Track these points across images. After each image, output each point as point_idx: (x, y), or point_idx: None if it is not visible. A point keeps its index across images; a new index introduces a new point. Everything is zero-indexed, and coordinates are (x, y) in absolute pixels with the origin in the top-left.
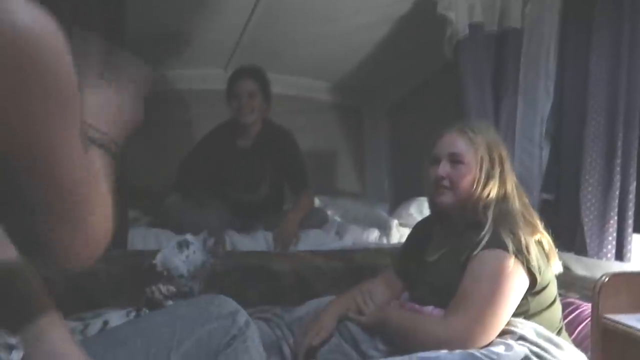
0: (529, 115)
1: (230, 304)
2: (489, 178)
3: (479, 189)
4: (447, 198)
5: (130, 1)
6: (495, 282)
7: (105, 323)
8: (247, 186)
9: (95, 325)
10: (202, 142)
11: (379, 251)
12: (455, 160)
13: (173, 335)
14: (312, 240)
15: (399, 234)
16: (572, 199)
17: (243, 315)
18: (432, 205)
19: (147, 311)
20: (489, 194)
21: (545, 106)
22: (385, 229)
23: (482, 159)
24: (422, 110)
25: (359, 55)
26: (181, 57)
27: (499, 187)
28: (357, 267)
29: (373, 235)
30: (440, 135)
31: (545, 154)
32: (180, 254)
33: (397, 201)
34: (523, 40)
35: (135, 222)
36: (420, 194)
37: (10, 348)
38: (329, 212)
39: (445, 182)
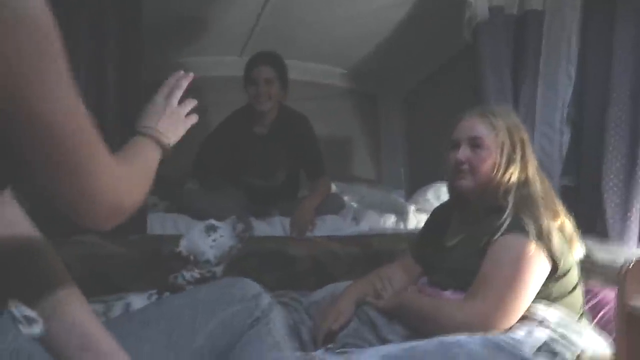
0: (549, 100)
1: (253, 287)
2: (509, 162)
3: (500, 174)
4: (467, 182)
5: None
6: (516, 267)
7: (127, 305)
8: (263, 172)
9: (117, 307)
10: (218, 128)
11: (396, 236)
12: (476, 144)
13: (195, 317)
14: (328, 226)
15: (416, 220)
16: (593, 185)
17: (266, 298)
18: (452, 190)
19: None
20: (509, 179)
21: (566, 91)
22: (402, 215)
23: (502, 143)
24: (438, 96)
25: (374, 40)
26: (197, 44)
27: (520, 171)
28: (373, 252)
29: (390, 221)
30: (460, 119)
31: (566, 139)
32: (207, 238)
33: (414, 187)
34: (544, 23)
35: (153, 207)
36: (437, 179)
37: (31, 321)
38: (345, 198)
39: (465, 167)
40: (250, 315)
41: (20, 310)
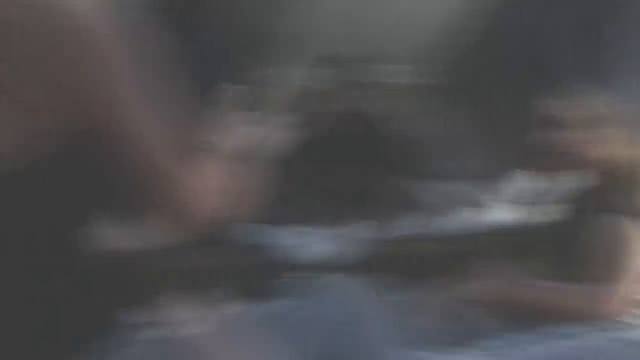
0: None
1: (348, 286)
2: (627, 140)
3: (619, 152)
4: (584, 163)
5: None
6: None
7: None
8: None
9: None
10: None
11: (478, 232)
12: (591, 123)
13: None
14: (411, 226)
15: (498, 213)
16: None
17: (361, 297)
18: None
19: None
20: (623, 156)
21: None
22: (482, 208)
23: (615, 120)
24: (504, 82)
25: (438, 37)
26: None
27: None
28: (458, 250)
29: (470, 216)
30: (567, 99)
31: None
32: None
33: (493, 177)
34: None
35: None
36: (514, 168)
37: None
38: (424, 196)
39: (580, 147)
40: (346, 314)
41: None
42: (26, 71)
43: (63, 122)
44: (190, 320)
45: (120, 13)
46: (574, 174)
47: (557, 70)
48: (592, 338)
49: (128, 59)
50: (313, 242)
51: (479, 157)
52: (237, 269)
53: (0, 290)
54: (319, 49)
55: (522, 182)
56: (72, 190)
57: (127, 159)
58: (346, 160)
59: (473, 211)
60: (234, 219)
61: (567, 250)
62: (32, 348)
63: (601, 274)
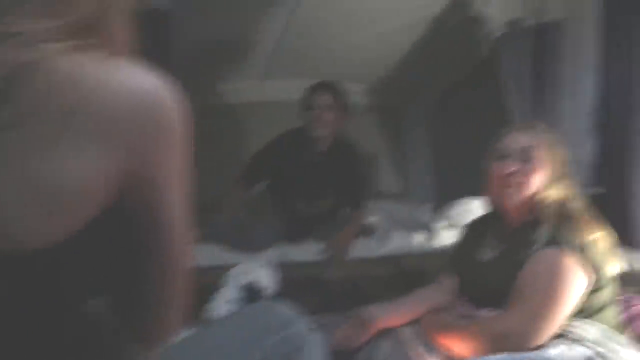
0: (573, 109)
1: (289, 313)
2: (557, 177)
3: (546, 188)
4: (516, 195)
5: (171, 26)
6: (554, 280)
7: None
8: (311, 198)
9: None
10: (269, 148)
11: (425, 255)
12: (526, 156)
13: (235, 351)
14: (359, 248)
15: (445, 236)
16: (622, 192)
17: (305, 324)
18: (494, 202)
19: None
20: (552, 194)
21: (589, 99)
22: (430, 232)
23: (551, 157)
24: (461, 108)
25: (396, 57)
26: (220, 71)
27: (562, 188)
28: (404, 272)
29: (418, 239)
30: (506, 132)
31: (593, 147)
32: (267, 274)
33: (442, 201)
34: (563, 32)
35: None
36: (465, 193)
37: None
38: (374, 217)
39: (516, 178)
40: (290, 345)
41: None
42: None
43: (109, 199)
44: None
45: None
46: (516, 204)
47: (509, 107)
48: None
49: (187, 149)
50: (258, 267)
51: (429, 181)
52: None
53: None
54: (279, 65)
55: (471, 207)
56: (90, 269)
57: (156, 243)
58: (298, 182)
59: (422, 234)
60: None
61: (504, 279)
62: None
63: (538, 303)
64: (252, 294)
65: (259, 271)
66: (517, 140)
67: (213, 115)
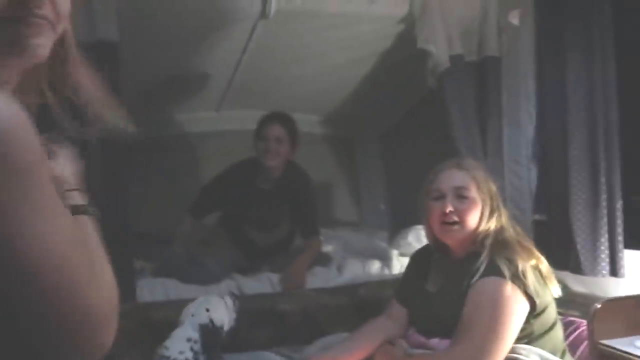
0: (514, 139)
1: None
2: (492, 211)
3: (483, 222)
4: (456, 233)
5: (123, 51)
6: (496, 309)
7: None
8: (265, 227)
9: None
10: (221, 178)
11: (382, 283)
12: (461, 194)
13: None
14: (315, 278)
15: (400, 264)
16: (563, 218)
17: None
18: (434, 239)
19: None
20: (489, 227)
21: (529, 129)
22: (385, 260)
23: (484, 193)
24: (412, 137)
25: (347, 89)
26: (174, 101)
27: (497, 219)
28: (361, 301)
29: (374, 267)
30: (439, 171)
31: (534, 175)
32: (227, 310)
33: (396, 228)
34: (502, 67)
35: (140, 272)
36: (418, 222)
37: None
38: (330, 247)
39: (454, 217)
40: None
41: None
42: None
43: None
44: None
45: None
46: (456, 240)
47: (455, 136)
48: None
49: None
50: (216, 302)
51: (385, 208)
52: (132, 329)
53: None
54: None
55: (423, 236)
56: None
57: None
58: (250, 211)
59: (378, 262)
60: None
61: (450, 309)
62: None
63: (482, 336)
64: (209, 333)
65: (217, 306)
66: (451, 179)
67: (166, 146)
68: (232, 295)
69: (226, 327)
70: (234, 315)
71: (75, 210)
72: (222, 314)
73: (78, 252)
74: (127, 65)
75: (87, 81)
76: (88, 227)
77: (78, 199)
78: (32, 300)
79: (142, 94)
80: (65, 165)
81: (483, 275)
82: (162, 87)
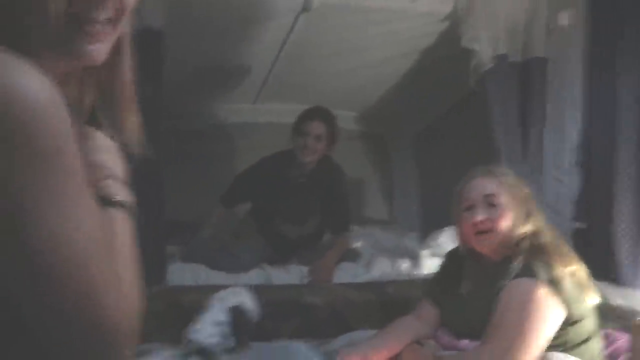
0: (558, 144)
1: (299, 351)
2: (526, 215)
3: (517, 227)
4: (490, 241)
5: (165, 47)
6: (526, 311)
7: None
8: (296, 219)
9: None
10: (255, 168)
11: (410, 283)
12: (491, 202)
13: None
14: (343, 273)
15: (430, 265)
16: (604, 227)
17: None
18: (468, 247)
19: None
20: (524, 231)
21: (573, 135)
22: (415, 260)
23: (515, 197)
24: (448, 138)
25: (384, 86)
26: (213, 92)
27: (531, 224)
28: (389, 299)
29: (403, 266)
30: (469, 179)
31: (577, 182)
32: (252, 298)
33: (428, 229)
34: (548, 69)
35: (172, 257)
36: (450, 222)
37: None
38: (359, 243)
39: (486, 225)
40: None
41: None
42: None
43: None
44: None
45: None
46: (489, 247)
47: (495, 139)
48: None
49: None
50: (244, 291)
51: (415, 209)
52: (161, 312)
53: None
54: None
55: (454, 237)
56: None
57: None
58: (282, 204)
59: (408, 261)
60: None
61: (482, 311)
62: None
63: (511, 337)
64: (238, 317)
65: (244, 295)
66: (480, 187)
67: (204, 135)
68: (255, 288)
69: (253, 316)
70: (258, 307)
71: (107, 201)
72: (250, 302)
73: (99, 253)
74: (170, 54)
75: (126, 92)
76: (118, 222)
77: (115, 189)
78: (39, 303)
79: (183, 83)
80: (107, 153)
81: (516, 276)
82: (202, 77)
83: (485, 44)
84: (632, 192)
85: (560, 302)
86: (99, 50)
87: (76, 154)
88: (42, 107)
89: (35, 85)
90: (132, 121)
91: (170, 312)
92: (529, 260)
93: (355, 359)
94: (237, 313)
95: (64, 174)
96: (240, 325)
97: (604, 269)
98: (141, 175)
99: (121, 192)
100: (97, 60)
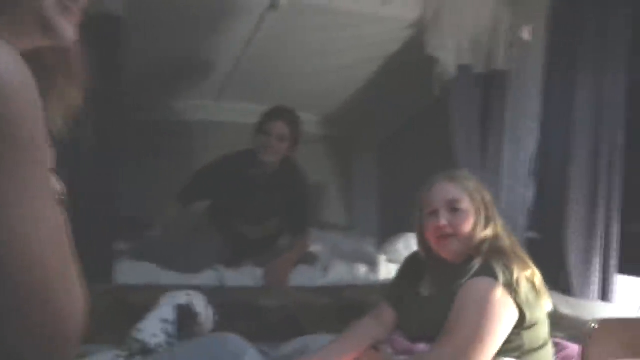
0: (514, 154)
1: (237, 345)
2: (487, 220)
3: (478, 231)
4: (452, 246)
5: (124, 36)
6: (483, 310)
7: None
8: (255, 220)
9: None
10: (214, 166)
11: (367, 287)
12: (454, 207)
13: None
14: (300, 276)
15: (387, 270)
16: (556, 238)
17: (250, 357)
18: (428, 252)
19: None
20: (485, 235)
21: (530, 146)
22: (373, 265)
23: (477, 202)
24: (410, 145)
25: (349, 91)
26: (175, 87)
27: (492, 229)
28: (345, 303)
29: (361, 271)
30: (431, 184)
31: (531, 193)
32: (207, 306)
33: (386, 235)
34: (509, 81)
35: (120, 254)
36: (408, 229)
37: None
38: (318, 246)
39: (448, 230)
40: None
41: None
42: None
43: None
44: None
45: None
46: (451, 251)
47: (455, 148)
48: None
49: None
50: (195, 293)
51: (374, 215)
52: (105, 311)
53: None
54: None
55: (413, 243)
56: None
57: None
58: (241, 204)
59: (365, 266)
60: None
61: (441, 313)
62: None
63: (467, 336)
64: (184, 316)
65: (198, 297)
66: (443, 192)
67: (162, 130)
68: (207, 292)
69: (201, 318)
70: (210, 310)
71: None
72: (202, 305)
73: (58, 252)
74: (129, 44)
75: (72, 67)
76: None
77: (56, 184)
78: None
79: (143, 74)
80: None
81: (474, 275)
82: (164, 69)
83: (449, 53)
84: (584, 204)
85: (517, 304)
86: (75, 30)
87: (45, 143)
88: (16, 91)
89: (9, 67)
90: (74, 97)
91: (116, 312)
92: (488, 260)
93: None
94: (183, 311)
95: (33, 165)
96: (187, 323)
97: (554, 279)
98: (89, 167)
99: (54, 182)
100: (71, 41)
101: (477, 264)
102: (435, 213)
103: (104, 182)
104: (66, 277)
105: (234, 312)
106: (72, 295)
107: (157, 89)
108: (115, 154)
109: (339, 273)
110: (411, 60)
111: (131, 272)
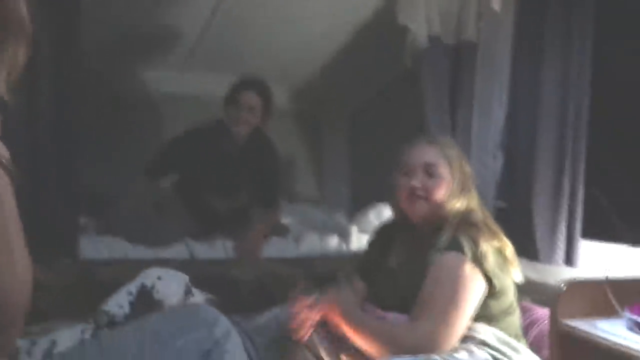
0: (483, 126)
1: (209, 314)
2: (461, 190)
3: (451, 200)
4: (421, 208)
5: (85, 4)
6: (455, 285)
7: (53, 343)
8: (225, 193)
9: (42, 345)
10: (186, 135)
11: (339, 258)
12: (430, 171)
13: (142, 352)
14: (272, 248)
15: (359, 241)
16: (524, 207)
17: (222, 326)
18: (399, 212)
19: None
20: (457, 206)
21: (499, 117)
22: (344, 236)
23: (455, 171)
24: (380, 117)
25: (318, 62)
26: (136, 59)
27: (466, 200)
28: (317, 274)
29: (332, 242)
30: (411, 146)
31: (499, 163)
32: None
33: (356, 207)
34: (478, 53)
35: (85, 229)
36: (379, 200)
37: None
38: (288, 219)
39: (421, 192)
40: (202, 347)
41: None
42: None
43: None
44: None
45: None
46: (422, 215)
47: (426, 119)
48: None
49: None
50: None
51: (347, 186)
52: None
53: None
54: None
55: (383, 213)
56: None
57: None
58: (211, 176)
59: (337, 237)
60: None
61: (411, 284)
62: None
63: (442, 311)
64: (147, 297)
65: (170, 282)
66: (421, 155)
67: (126, 103)
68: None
69: (172, 298)
70: (182, 287)
71: None
72: (170, 292)
73: None
74: (89, 15)
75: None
76: (2, 186)
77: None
78: None
79: (105, 44)
80: None
81: (445, 249)
82: (126, 39)
83: (420, 24)
84: (551, 173)
85: (484, 276)
86: None
87: None
88: None
89: None
90: (21, 55)
91: (81, 287)
92: (457, 234)
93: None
94: (144, 291)
95: None
96: (141, 304)
97: (522, 246)
98: (51, 140)
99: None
100: None
101: (444, 236)
102: (410, 173)
103: (68, 155)
104: (11, 265)
105: (206, 284)
106: (15, 273)
107: (121, 60)
108: (79, 127)
109: (311, 244)
110: (381, 30)
111: (97, 247)
